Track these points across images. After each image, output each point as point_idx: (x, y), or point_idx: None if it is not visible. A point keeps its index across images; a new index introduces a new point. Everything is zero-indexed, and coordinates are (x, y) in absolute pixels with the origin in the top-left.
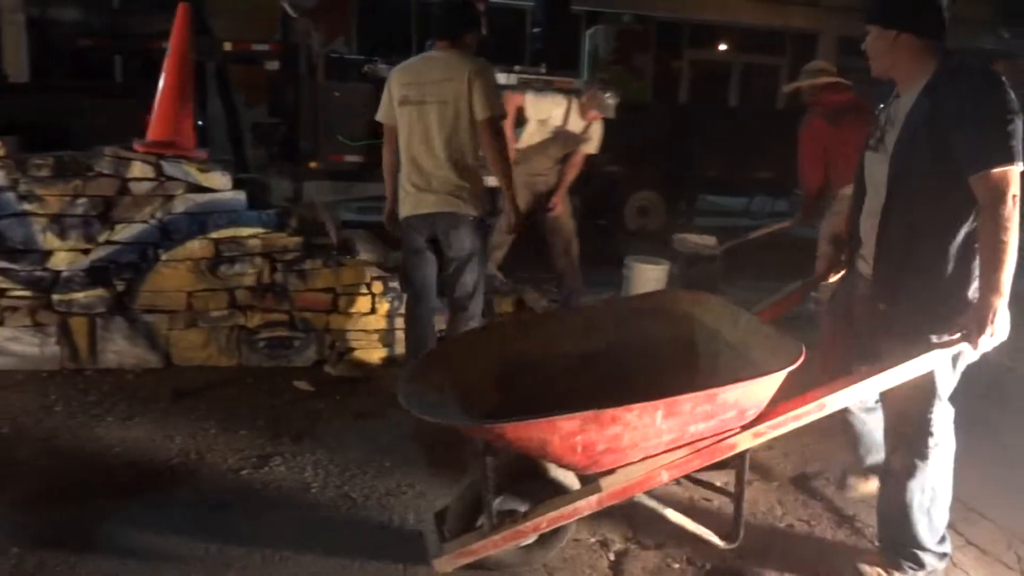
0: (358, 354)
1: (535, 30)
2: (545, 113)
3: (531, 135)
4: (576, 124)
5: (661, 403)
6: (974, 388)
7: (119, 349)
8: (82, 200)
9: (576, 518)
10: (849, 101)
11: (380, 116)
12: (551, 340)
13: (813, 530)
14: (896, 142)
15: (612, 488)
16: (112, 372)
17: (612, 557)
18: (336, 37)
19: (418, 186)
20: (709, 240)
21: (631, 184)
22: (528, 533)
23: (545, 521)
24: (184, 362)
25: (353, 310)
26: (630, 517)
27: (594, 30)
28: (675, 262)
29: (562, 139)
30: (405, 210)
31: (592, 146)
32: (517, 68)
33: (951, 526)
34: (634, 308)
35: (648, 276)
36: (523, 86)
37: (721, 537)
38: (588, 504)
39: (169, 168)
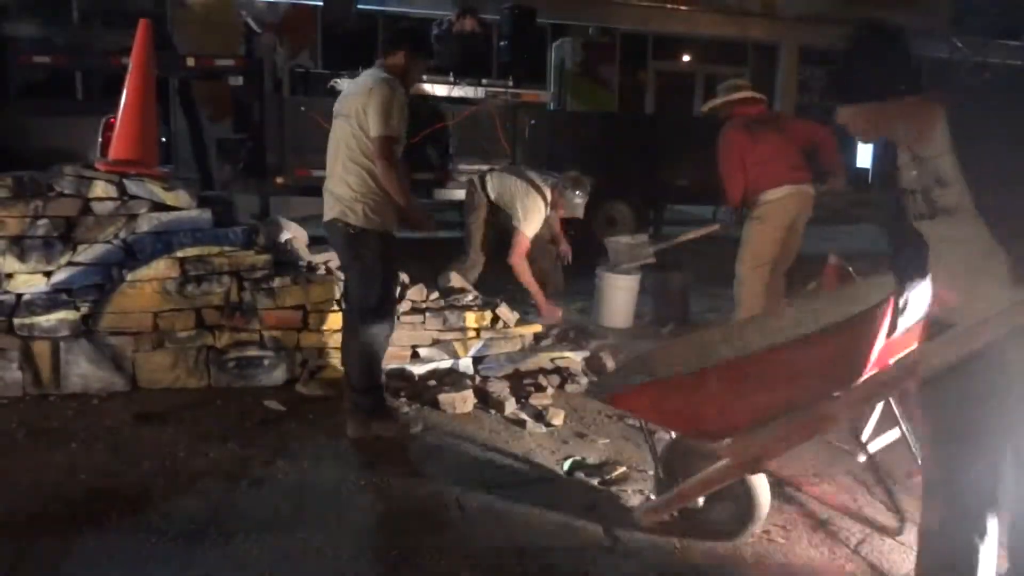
0: (330, 372)
1: (501, 43)
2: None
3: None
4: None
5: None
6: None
7: (84, 373)
8: (43, 221)
9: (720, 486)
10: (762, 113)
11: None
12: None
13: (789, 535)
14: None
15: (735, 451)
16: (77, 397)
17: (589, 569)
18: (301, 51)
19: (326, 194)
20: (641, 238)
21: (600, 195)
22: (688, 496)
23: (696, 486)
24: (151, 384)
25: (324, 327)
26: (607, 527)
27: (560, 42)
28: (645, 274)
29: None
30: (324, 216)
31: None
32: (484, 81)
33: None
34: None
35: (619, 286)
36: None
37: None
38: (719, 471)
39: (132, 187)
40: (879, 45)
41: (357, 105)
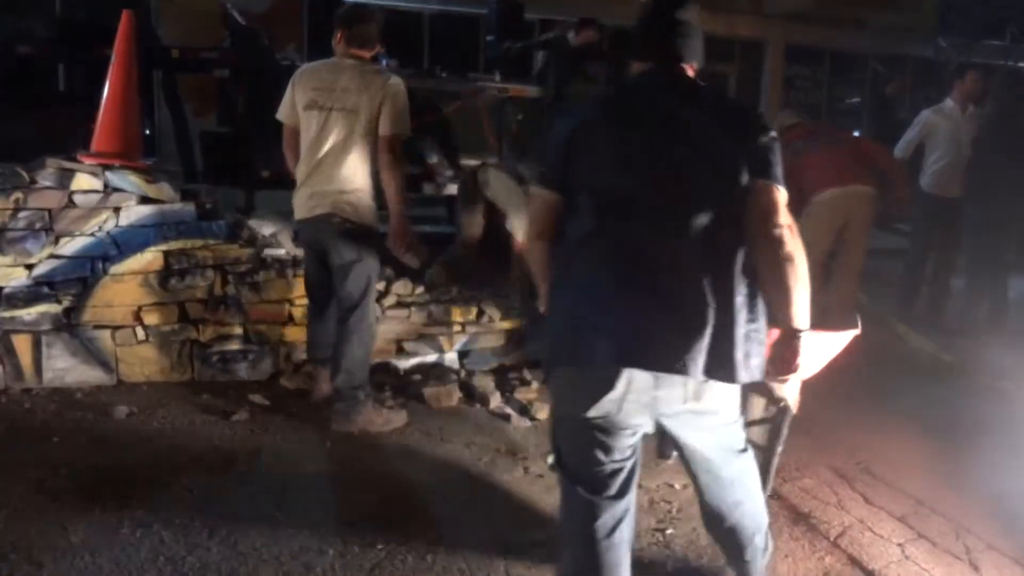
0: (313, 366)
1: (488, 38)
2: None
3: None
4: None
5: None
6: (919, 389)
7: (66, 367)
8: (24, 213)
9: None
10: (804, 134)
11: (283, 117)
12: None
13: (770, 528)
14: None
15: None
16: (59, 390)
17: None
18: (287, 44)
19: (309, 191)
20: None
21: None
22: None
23: None
24: (134, 378)
25: None
26: None
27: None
28: None
29: None
30: (297, 213)
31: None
32: (472, 76)
33: (903, 520)
34: None
35: None
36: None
37: None
38: None
39: (115, 179)
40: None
41: (362, 100)
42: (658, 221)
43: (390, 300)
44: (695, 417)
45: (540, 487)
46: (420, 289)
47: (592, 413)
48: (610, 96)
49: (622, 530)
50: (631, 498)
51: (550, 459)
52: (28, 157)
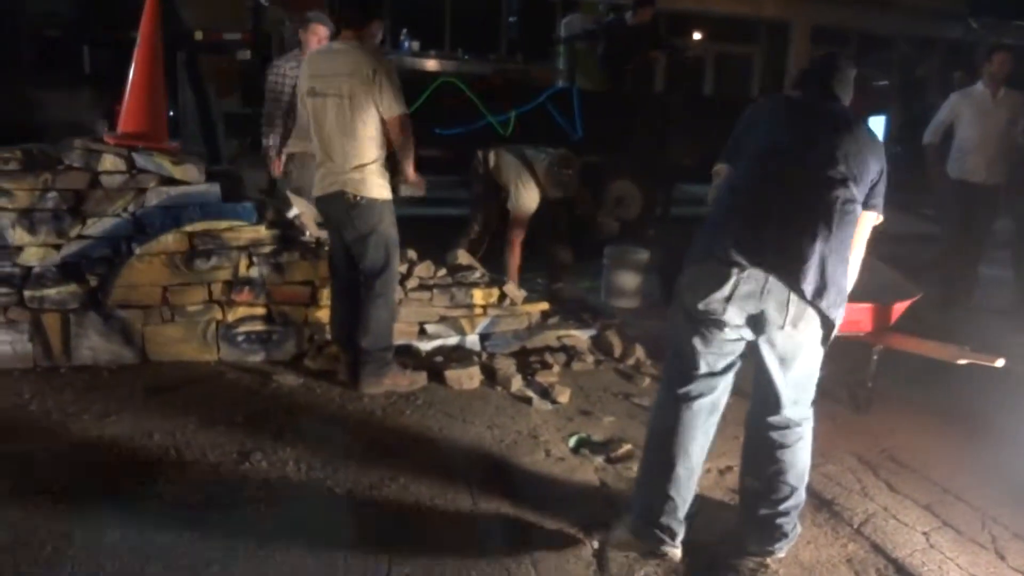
0: (337, 347)
1: (511, 19)
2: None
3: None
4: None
5: None
6: (943, 377)
7: (93, 345)
8: (52, 194)
9: None
10: None
11: (300, 105)
12: None
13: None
14: None
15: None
16: (87, 369)
17: (595, 544)
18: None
19: (323, 170)
20: (642, 253)
21: (609, 174)
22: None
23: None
24: (160, 358)
25: None
26: (612, 504)
27: (569, 19)
28: (653, 252)
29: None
30: (315, 191)
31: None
32: (492, 57)
33: (928, 508)
34: None
35: (626, 265)
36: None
37: None
38: None
39: (141, 161)
40: None
41: (353, 83)
42: (783, 183)
43: (412, 282)
44: (788, 342)
45: (562, 470)
46: (442, 271)
47: (701, 306)
48: (766, 104)
49: (700, 425)
50: (717, 396)
51: (571, 442)
52: (56, 138)
